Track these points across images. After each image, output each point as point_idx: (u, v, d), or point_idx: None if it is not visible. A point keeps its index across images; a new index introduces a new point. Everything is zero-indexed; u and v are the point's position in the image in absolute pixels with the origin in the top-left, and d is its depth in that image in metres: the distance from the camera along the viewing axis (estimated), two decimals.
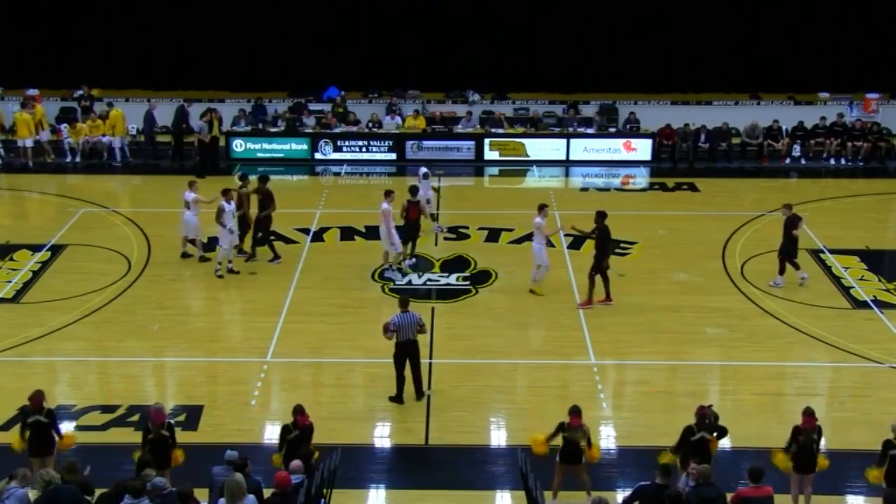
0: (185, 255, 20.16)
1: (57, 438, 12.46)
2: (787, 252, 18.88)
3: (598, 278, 18.05)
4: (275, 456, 12.26)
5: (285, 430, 12.28)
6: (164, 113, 27.37)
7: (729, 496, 10.81)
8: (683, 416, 12.88)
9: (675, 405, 14.84)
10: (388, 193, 19.44)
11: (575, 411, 12.19)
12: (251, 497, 10.31)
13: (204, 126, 25.96)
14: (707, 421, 12.04)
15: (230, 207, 19.11)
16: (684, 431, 12.02)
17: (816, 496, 12.25)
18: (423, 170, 21.86)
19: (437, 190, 23.41)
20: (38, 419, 12.25)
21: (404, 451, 14.04)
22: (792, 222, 18.75)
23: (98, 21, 30.01)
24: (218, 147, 26.64)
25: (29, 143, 26.69)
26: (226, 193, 19.21)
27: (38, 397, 12.36)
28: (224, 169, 26.26)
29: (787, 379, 16.04)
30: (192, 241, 20.13)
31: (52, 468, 11.07)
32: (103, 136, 27.07)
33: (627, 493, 11.31)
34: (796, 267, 18.99)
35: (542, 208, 18.63)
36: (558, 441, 12.28)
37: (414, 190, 20.24)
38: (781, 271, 19.00)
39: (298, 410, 12.28)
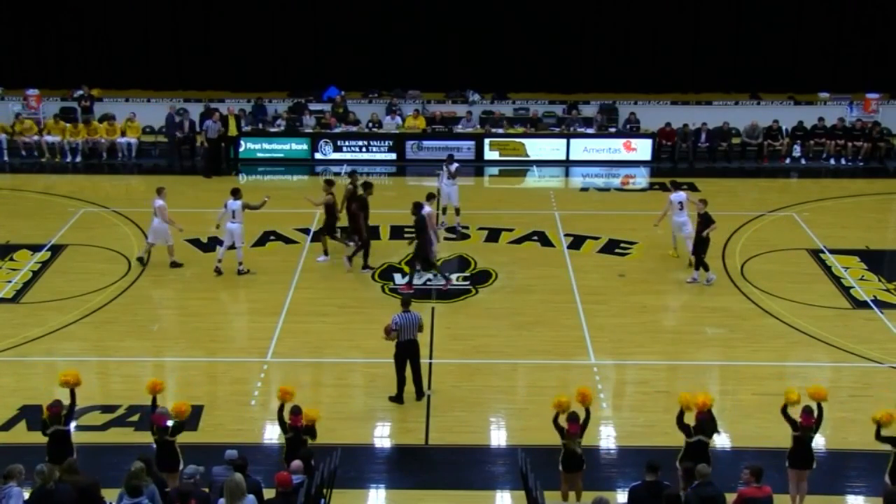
0: (174, 265, 19.91)
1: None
2: (699, 249, 18.92)
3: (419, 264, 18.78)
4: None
5: (283, 426, 12.40)
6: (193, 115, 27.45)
7: (729, 496, 10.80)
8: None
9: (675, 405, 14.78)
10: (430, 197, 19.42)
11: (573, 419, 12.07)
12: (251, 497, 10.32)
13: (210, 125, 25.95)
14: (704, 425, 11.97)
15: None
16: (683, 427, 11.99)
17: (817, 496, 12.25)
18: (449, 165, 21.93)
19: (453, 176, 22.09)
20: (57, 429, 12.18)
21: (404, 451, 14.03)
22: (706, 221, 18.76)
23: (98, 21, 30.01)
24: (234, 146, 27.05)
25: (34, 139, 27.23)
26: (234, 193, 19.36)
27: (55, 407, 12.23)
28: (224, 169, 26.32)
29: (787, 379, 15.97)
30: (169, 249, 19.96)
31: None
32: (121, 137, 27.26)
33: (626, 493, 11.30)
34: (706, 268, 19.01)
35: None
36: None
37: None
38: (697, 267, 19.05)
39: (292, 411, 12.32)
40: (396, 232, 21.27)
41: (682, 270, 19.76)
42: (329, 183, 20.30)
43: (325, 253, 20.24)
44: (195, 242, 20.83)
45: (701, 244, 18.87)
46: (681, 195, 19.90)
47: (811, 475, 12.15)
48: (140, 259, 19.84)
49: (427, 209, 19.03)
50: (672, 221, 20.13)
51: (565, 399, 12.20)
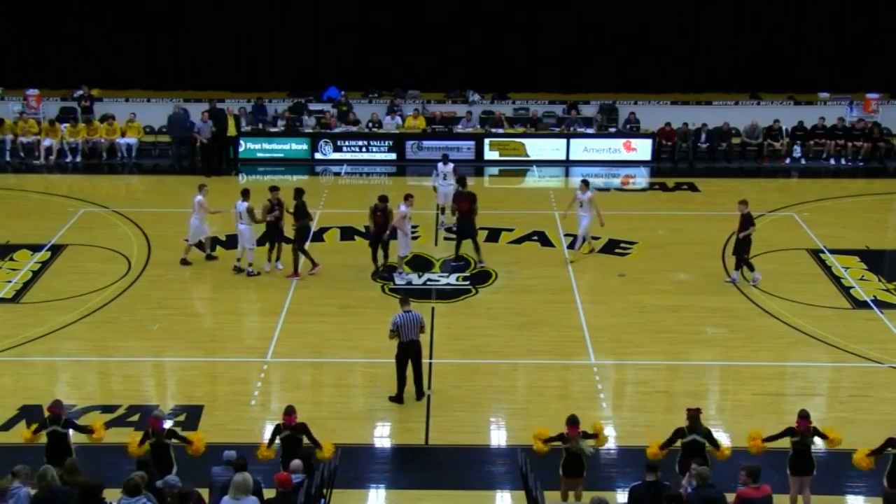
0: (185, 262, 19.89)
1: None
2: (740, 250, 18.93)
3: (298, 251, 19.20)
4: (262, 446, 12.45)
5: (276, 429, 12.43)
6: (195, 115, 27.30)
7: (729, 496, 10.80)
8: (683, 416, 12.85)
9: (675, 405, 14.81)
10: (408, 197, 19.40)
11: (570, 421, 11.99)
12: (252, 498, 10.31)
13: (202, 126, 25.97)
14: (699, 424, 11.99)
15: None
16: (675, 433, 12.03)
17: (817, 496, 12.24)
18: (444, 165, 21.96)
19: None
20: (55, 429, 12.22)
21: (404, 451, 14.04)
22: (746, 221, 18.75)
23: (98, 21, 30.03)
24: (234, 146, 27.10)
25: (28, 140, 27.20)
26: (244, 194, 19.41)
27: (56, 408, 12.30)
28: (224, 169, 26.33)
29: (787, 379, 16.04)
30: (199, 245, 20.04)
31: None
32: (121, 137, 27.23)
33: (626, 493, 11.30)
34: (750, 267, 19.03)
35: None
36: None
37: (462, 181, 20.49)
38: (738, 267, 19.05)
39: (286, 411, 12.33)
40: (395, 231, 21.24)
41: (682, 270, 19.76)
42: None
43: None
44: (200, 245, 20.79)
45: (742, 244, 18.85)
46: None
47: (812, 480, 12.11)
48: (184, 260, 19.84)
49: (403, 209, 19.00)
50: (577, 216, 20.37)
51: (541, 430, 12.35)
